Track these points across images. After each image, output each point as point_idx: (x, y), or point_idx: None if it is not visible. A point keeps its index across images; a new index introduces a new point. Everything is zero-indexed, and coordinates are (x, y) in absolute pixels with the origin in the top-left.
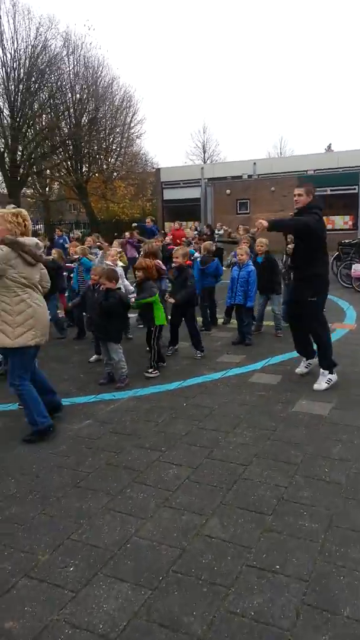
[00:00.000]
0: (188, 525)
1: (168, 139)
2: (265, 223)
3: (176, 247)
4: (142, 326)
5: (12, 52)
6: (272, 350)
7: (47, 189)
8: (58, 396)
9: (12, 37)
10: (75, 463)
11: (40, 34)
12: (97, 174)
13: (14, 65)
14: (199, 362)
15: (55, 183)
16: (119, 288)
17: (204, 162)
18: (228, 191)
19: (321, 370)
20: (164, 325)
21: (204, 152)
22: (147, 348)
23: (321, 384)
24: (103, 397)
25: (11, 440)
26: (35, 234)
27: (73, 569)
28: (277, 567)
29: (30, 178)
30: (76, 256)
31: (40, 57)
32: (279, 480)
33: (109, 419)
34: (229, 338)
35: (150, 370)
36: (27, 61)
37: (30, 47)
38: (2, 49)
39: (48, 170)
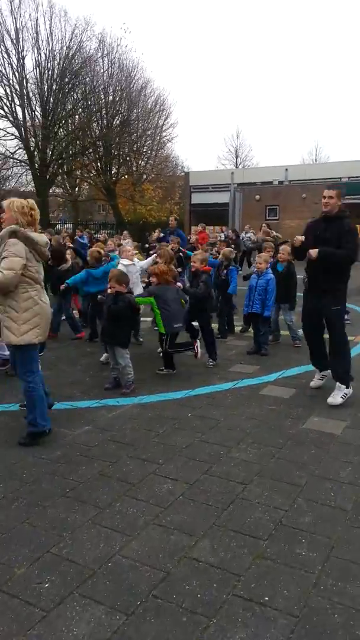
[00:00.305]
0: (176, 546)
1: (200, 143)
2: (314, 254)
3: (195, 252)
4: (157, 329)
5: (47, 53)
6: (288, 362)
7: (76, 189)
8: (51, 398)
9: (48, 38)
10: (68, 471)
11: (75, 35)
12: (126, 176)
13: (48, 66)
14: (210, 370)
15: (84, 183)
16: (130, 292)
17: (236, 167)
18: (257, 197)
19: (337, 384)
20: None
21: (237, 157)
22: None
23: (336, 398)
24: (107, 402)
25: (5, 442)
26: (57, 232)
27: (48, 586)
28: (266, 598)
29: (59, 177)
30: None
31: (75, 58)
32: (279, 503)
33: (109, 426)
34: (244, 347)
35: (162, 368)
36: (61, 62)
37: (65, 48)
38: (37, 50)
39: (78, 171)
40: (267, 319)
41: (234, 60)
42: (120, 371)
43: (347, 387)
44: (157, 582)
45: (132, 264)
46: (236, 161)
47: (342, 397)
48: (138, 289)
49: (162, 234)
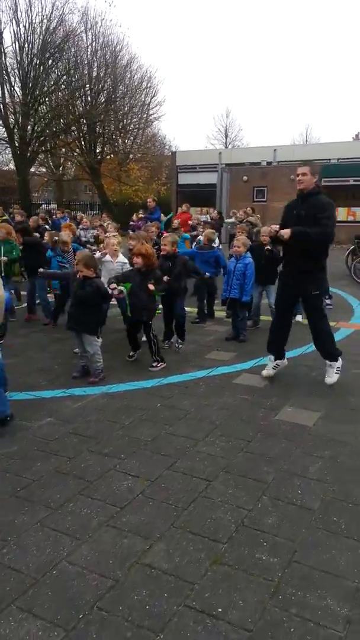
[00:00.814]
0: (129, 550)
1: (189, 123)
2: (286, 235)
3: (165, 235)
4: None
5: (27, 25)
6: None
7: (60, 168)
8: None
9: (27, 10)
10: (22, 468)
11: (56, 8)
12: (111, 155)
13: (28, 39)
14: (184, 358)
15: (69, 163)
16: (98, 276)
17: (226, 147)
18: (245, 177)
19: (328, 363)
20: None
21: (226, 137)
22: (145, 340)
23: (332, 376)
24: (73, 392)
25: None
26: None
27: None
28: (219, 610)
29: (42, 156)
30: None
31: (56, 32)
32: (243, 502)
33: (72, 417)
34: (223, 333)
35: (154, 364)
36: (41, 35)
37: (45, 20)
38: (16, 22)
39: (62, 149)
40: (245, 304)
41: (224, 38)
42: (89, 359)
43: (337, 361)
44: (103, 592)
45: (111, 262)
46: (225, 141)
47: (336, 372)
48: None
49: (142, 215)
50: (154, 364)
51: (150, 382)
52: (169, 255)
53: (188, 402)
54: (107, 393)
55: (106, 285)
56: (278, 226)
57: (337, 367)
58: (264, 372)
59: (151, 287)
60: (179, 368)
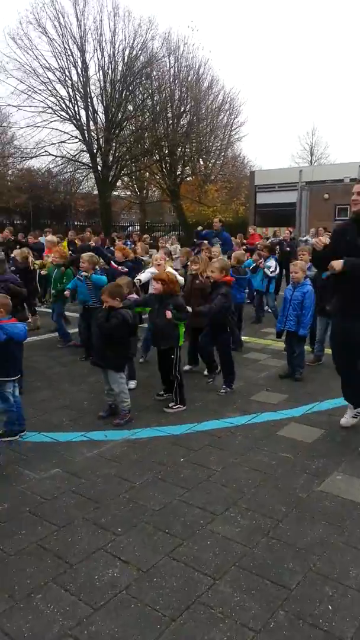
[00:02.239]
0: None
1: (272, 142)
2: (338, 266)
3: (213, 260)
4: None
5: (110, 54)
6: (326, 391)
7: (145, 191)
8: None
9: (111, 39)
10: (3, 534)
11: (139, 35)
12: (190, 177)
13: (112, 67)
14: (226, 398)
15: (151, 186)
16: (125, 307)
17: (311, 165)
18: (326, 195)
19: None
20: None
21: (312, 154)
22: (166, 375)
23: (347, 418)
24: (92, 436)
25: None
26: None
27: None
28: None
29: (126, 179)
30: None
31: (138, 58)
32: (252, 617)
33: (82, 470)
34: (279, 369)
35: (171, 405)
36: (124, 62)
37: (128, 47)
38: (101, 51)
39: (147, 173)
40: (302, 338)
41: (309, 56)
42: (115, 398)
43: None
44: None
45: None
46: (311, 159)
47: (355, 417)
48: None
49: (203, 233)
50: (171, 405)
51: (180, 428)
52: (216, 284)
53: (216, 459)
54: (129, 440)
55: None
56: (328, 239)
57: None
58: (342, 421)
59: (168, 314)
60: (218, 411)
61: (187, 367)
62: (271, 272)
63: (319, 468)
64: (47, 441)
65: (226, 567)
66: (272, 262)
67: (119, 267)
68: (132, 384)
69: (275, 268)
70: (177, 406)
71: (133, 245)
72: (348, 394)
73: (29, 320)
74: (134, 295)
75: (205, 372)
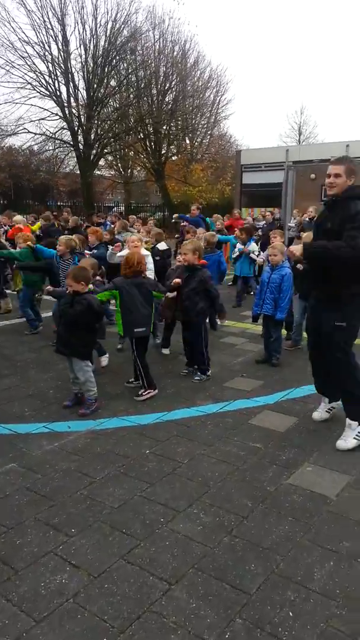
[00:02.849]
0: None
1: (259, 121)
2: (297, 252)
3: (186, 241)
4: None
5: (93, 28)
6: (303, 378)
7: (129, 170)
8: None
9: (93, 12)
10: None
11: (122, 8)
12: (178, 156)
13: (93, 42)
14: (200, 385)
15: (131, 164)
16: (90, 292)
17: (299, 145)
18: (313, 175)
19: (348, 421)
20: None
21: (300, 134)
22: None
23: (348, 440)
24: (54, 427)
25: None
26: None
27: None
28: None
29: (110, 158)
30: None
31: (121, 32)
32: (207, 626)
33: (39, 464)
34: (256, 354)
35: (141, 392)
36: (107, 36)
37: (110, 21)
38: (82, 24)
39: (131, 152)
40: (279, 322)
41: (299, 32)
42: (81, 387)
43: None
44: None
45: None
46: (299, 139)
47: (356, 438)
48: None
49: (180, 219)
50: (140, 392)
51: (148, 417)
52: (190, 267)
53: (183, 450)
54: (94, 430)
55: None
56: (299, 249)
57: (359, 432)
58: (314, 415)
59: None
60: (189, 399)
61: (166, 351)
62: (257, 256)
63: (290, 459)
64: (5, 433)
65: (184, 569)
66: (253, 246)
67: (93, 251)
68: (105, 360)
69: (258, 252)
70: (147, 392)
71: (112, 226)
72: (319, 384)
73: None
74: (98, 278)
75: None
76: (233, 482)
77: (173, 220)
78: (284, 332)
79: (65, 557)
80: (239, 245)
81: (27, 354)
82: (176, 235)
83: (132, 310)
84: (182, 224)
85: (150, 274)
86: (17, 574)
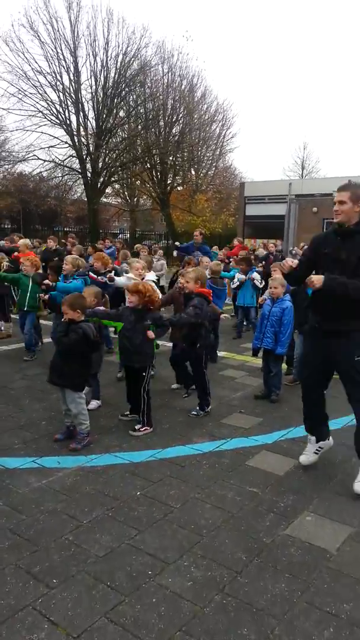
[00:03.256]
0: None
1: (263, 155)
2: (317, 282)
3: (188, 269)
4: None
5: (104, 60)
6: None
7: (135, 199)
8: None
9: (105, 45)
10: None
11: (133, 42)
12: (183, 186)
13: (104, 73)
14: (195, 420)
15: (137, 192)
16: (85, 320)
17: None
18: (315, 209)
19: None
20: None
21: (302, 168)
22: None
23: None
24: (44, 462)
25: None
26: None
27: None
28: None
29: (117, 186)
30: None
31: (131, 65)
32: None
33: (25, 504)
34: (255, 388)
35: (138, 427)
36: (117, 69)
37: (121, 54)
38: (94, 57)
39: (138, 181)
40: (280, 357)
41: (303, 68)
42: (73, 419)
43: None
44: None
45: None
46: (302, 173)
47: None
48: None
49: (182, 246)
50: (137, 427)
51: (141, 454)
52: (191, 294)
53: (176, 493)
54: (84, 467)
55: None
56: (295, 262)
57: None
58: (302, 459)
59: (150, 334)
60: (185, 435)
61: (175, 386)
62: (260, 283)
63: (288, 506)
64: None
65: (171, 631)
66: (255, 275)
67: (98, 278)
68: (94, 403)
69: (261, 280)
70: (144, 428)
71: (117, 253)
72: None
73: (1, 328)
74: (102, 308)
75: (173, 386)
76: (227, 532)
77: (174, 251)
78: (284, 366)
79: (44, 612)
80: (238, 275)
81: (21, 381)
82: (180, 266)
83: (134, 339)
84: (181, 254)
85: None
86: None
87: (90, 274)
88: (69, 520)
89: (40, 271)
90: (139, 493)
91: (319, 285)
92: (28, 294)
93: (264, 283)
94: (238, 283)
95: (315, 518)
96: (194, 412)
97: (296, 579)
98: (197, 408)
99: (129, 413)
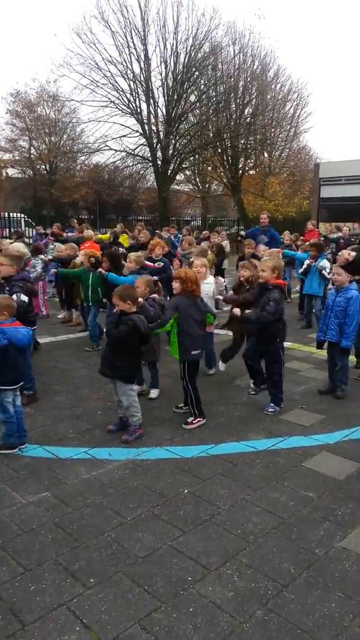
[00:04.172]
0: None
1: (342, 133)
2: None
3: (265, 257)
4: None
5: (173, 46)
6: None
7: (207, 185)
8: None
9: (175, 30)
10: None
11: (202, 25)
12: (255, 170)
13: (173, 59)
14: (253, 414)
15: (208, 178)
16: (137, 312)
17: None
18: None
19: None
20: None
21: None
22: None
23: None
24: (96, 453)
25: None
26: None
27: None
28: None
29: (188, 172)
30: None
31: (202, 49)
32: None
33: (72, 496)
34: (320, 382)
35: (190, 420)
36: (185, 53)
37: (191, 38)
38: (164, 43)
39: (208, 167)
40: (346, 350)
41: None
42: (124, 411)
43: None
44: None
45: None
46: None
47: None
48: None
49: (248, 231)
50: (190, 419)
51: (193, 449)
52: (265, 286)
53: (225, 493)
54: (134, 461)
55: None
56: (354, 254)
57: None
58: None
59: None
60: (241, 429)
61: (222, 367)
62: (328, 273)
63: (346, 515)
64: (46, 457)
65: None
66: (325, 262)
67: (155, 265)
68: (154, 393)
69: (330, 269)
70: (196, 420)
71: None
72: None
73: (71, 317)
74: (155, 295)
75: (238, 382)
76: (276, 539)
77: (239, 238)
78: (353, 359)
79: (78, 613)
80: (307, 261)
81: (83, 370)
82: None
83: (190, 332)
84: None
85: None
86: (24, 629)
87: (146, 262)
88: (113, 516)
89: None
90: (186, 491)
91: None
92: (90, 289)
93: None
94: (306, 266)
95: None
96: (270, 410)
97: (348, 600)
98: (272, 404)
99: (182, 405)
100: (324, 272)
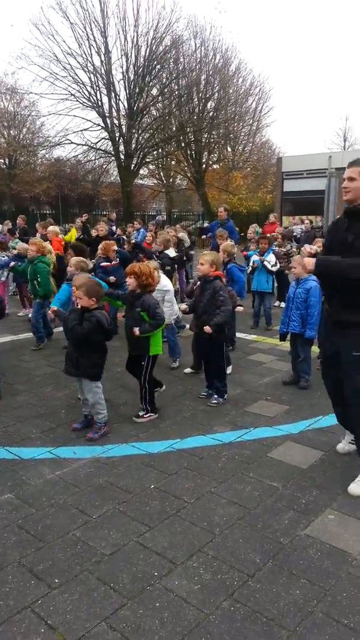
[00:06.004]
0: None
1: (303, 128)
2: (310, 265)
3: (204, 252)
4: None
5: (134, 38)
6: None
7: (170, 179)
8: None
9: (134, 23)
10: None
11: (163, 18)
12: (219, 164)
13: (134, 52)
14: (219, 409)
15: (172, 172)
16: (99, 308)
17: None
18: None
19: None
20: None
21: (345, 140)
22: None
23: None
24: (59, 452)
25: None
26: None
27: None
28: None
29: (152, 167)
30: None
31: (162, 42)
32: None
33: (36, 496)
34: (284, 374)
35: (141, 414)
36: (147, 46)
37: (152, 31)
38: (124, 35)
39: (172, 161)
40: (309, 341)
41: (342, 35)
42: (90, 409)
43: None
44: None
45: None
46: (344, 145)
47: None
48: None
49: (206, 226)
50: (140, 414)
51: (159, 445)
52: (204, 278)
53: (191, 486)
54: (99, 458)
55: None
56: (315, 248)
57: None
58: (339, 447)
59: (135, 331)
60: (207, 424)
61: (188, 370)
62: (272, 266)
63: (310, 503)
64: (8, 458)
65: None
66: (271, 257)
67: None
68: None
69: (276, 262)
70: (147, 415)
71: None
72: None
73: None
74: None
75: (186, 371)
76: (242, 530)
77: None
78: (315, 349)
79: (42, 614)
80: (254, 257)
81: (46, 368)
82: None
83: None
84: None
85: (165, 285)
86: None
87: (102, 263)
88: (78, 515)
89: (53, 256)
90: (152, 486)
91: (311, 268)
92: (30, 282)
93: (278, 266)
94: (252, 266)
95: (338, 517)
96: (214, 402)
97: (313, 586)
98: (216, 395)
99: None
100: (266, 264)
